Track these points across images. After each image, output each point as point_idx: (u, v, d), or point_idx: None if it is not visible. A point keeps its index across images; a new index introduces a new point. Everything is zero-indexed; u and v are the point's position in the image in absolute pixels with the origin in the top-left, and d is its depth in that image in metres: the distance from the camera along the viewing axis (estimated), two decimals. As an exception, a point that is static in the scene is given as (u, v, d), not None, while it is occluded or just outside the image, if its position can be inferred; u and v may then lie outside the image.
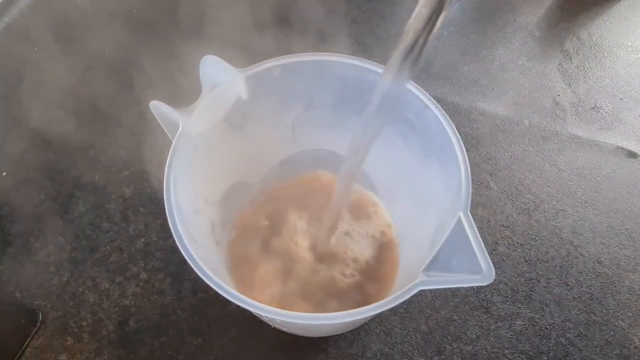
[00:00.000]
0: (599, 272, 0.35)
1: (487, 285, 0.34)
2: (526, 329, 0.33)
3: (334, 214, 0.30)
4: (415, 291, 0.20)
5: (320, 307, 0.30)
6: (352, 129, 0.25)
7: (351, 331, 0.32)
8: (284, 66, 0.27)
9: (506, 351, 0.32)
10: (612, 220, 0.38)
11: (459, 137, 0.25)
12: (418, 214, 0.30)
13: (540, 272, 0.35)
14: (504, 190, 0.39)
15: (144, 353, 0.31)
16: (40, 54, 0.46)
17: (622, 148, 0.42)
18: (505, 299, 0.34)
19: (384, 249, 0.33)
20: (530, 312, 0.33)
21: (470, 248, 0.20)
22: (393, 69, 0.20)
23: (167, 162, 0.24)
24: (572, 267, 0.36)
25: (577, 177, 0.40)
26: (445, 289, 0.34)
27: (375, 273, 0.32)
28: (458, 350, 0.32)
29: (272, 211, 0.34)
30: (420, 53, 0.19)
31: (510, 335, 0.33)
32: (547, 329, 0.33)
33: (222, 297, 0.20)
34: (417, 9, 0.18)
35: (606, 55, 0.49)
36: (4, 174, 0.39)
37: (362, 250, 0.33)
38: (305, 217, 0.34)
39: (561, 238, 0.37)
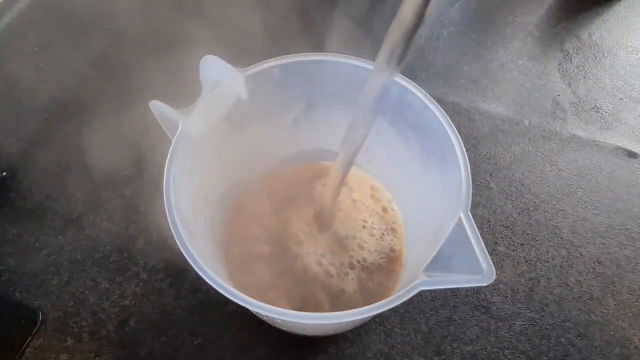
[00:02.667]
0: (599, 272, 0.35)
1: (487, 285, 0.34)
2: (526, 329, 0.33)
3: (329, 200, 0.30)
4: (415, 291, 0.20)
5: (320, 307, 0.30)
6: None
7: (351, 331, 0.32)
8: (284, 66, 0.28)
9: (506, 351, 0.32)
10: (612, 220, 0.38)
11: (459, 137, 0.25)
12: (418, 214, 0.30)
13: (540, 272, 0.35)
14: (504, 190, 0.39)
15: (144, 353, 0.31)
16: (40, 54, 0.46)
17: (622, 148, 0.42)
18: (505, 299, 0.34)
19: (391, 247, 0.33)
20: (530, 312, 0.33)
21: (470, 248, 0.20)
22: (382, 61, 0.20)
23: (167, 162, 0.24)
24: (572, 267, 0.36)
25: (577, 177, 0.40)
26: (445, 289, 0.34)
27: (378, 271, 0.32)
28: (458, 351, 0.32)
29: (273, 209, 0.34)
30: (408, 45, 0.19)
31: (510, 335, 0.33)
32: (547, 329, 0.33)
33: (222, 297, 0.20)
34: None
35: (606, 55, 0.49)
36: (4, 174, 0.39)
37: (366, 248, 0.33)
38: (306, 214, 0.34)
39: (561, 238, 0.37)
